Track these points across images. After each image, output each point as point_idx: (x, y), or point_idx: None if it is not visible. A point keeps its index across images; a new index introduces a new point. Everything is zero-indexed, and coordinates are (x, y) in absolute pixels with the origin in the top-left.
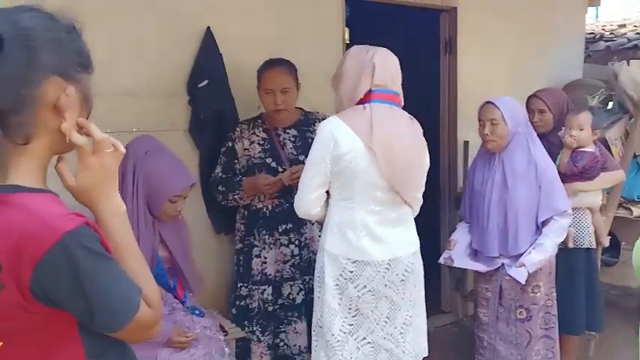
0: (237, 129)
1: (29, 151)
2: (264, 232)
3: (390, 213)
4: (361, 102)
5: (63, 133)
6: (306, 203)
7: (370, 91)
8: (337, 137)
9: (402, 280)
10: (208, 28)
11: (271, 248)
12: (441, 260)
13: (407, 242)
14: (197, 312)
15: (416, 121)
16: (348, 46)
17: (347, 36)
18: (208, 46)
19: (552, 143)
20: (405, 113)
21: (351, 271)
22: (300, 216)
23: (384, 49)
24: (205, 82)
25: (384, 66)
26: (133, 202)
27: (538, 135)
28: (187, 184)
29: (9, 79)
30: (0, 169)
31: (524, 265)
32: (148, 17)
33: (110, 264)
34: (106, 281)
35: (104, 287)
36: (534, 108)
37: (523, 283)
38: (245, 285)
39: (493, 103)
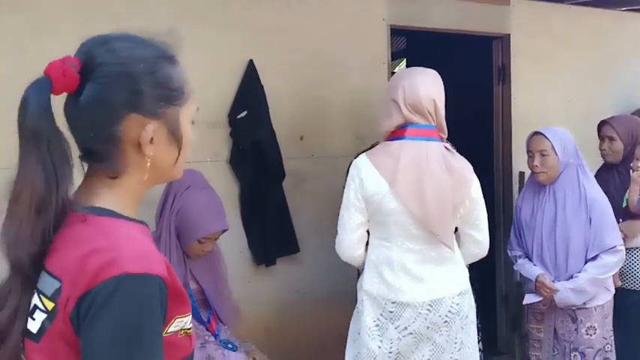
0: None
1: (119, 185)
2: None
3: (430, 251)
4: (395, 136)
5: (153, 167)
6: (348, 245)
7: (403, 126)
8: (363, 178)
9: (446, 321)
10: (251, 60)
11: None
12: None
13: (451, 282)
14: (230, 346)
15: (457, 155)
16: None
17: (404, 66)
18: (250, 78)
19: (622, 174)
20: (443, 148)
21: (391, 312)
22: (343, 259)
23: (423, 74)
24: (244, 114)
25: (416, 96)
26: (167, 233)
27: (607, 165)
28: (218, 229)
29: (93, 116)
30: (91, 197)
31: (556, 290)
32: (192, 50)
33: (140, 337)
34: (126, 352)
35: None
36: (604, 135)
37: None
38: None
39: (542, 134)
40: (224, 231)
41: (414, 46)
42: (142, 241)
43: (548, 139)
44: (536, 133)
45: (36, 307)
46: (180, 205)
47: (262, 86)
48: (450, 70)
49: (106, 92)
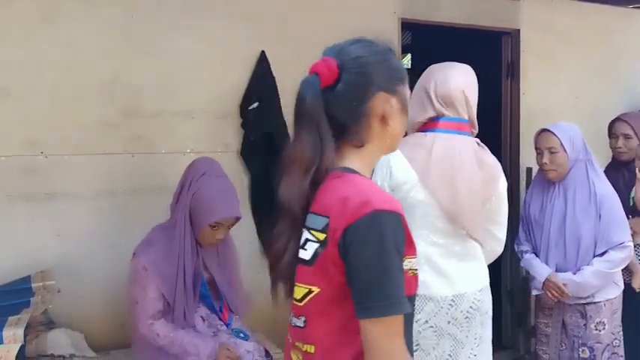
0: None
1: (363, 152)
2: None
3: (454, 246)
4: (426, 128)
5: (389, 137)
6: None
7: (435, 118)
8: (392, 167)
9: (467, 317)
10: (263, 51)
11: None
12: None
13: (473, 277)
14: (242, 335)
15: (486, 149)
16: (408, 72)
17: (409, 62)
18: (262, 69)
19: (631, 171)
20: (474, 143)
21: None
22: None
23: (455, 68)
24: (256, 104)
25: (446, 89)
26: (182, 219)
27: (620, 162)
28: (230, 214)
29: (349, 99)
30: (341, 162)
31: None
32: (206, 41)
33: (393, 258)
34: (386, 267)
35: (382, 271)
36: (618, 132)
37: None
38: None
39: (550, 131)
40: (237, 220)
41: (419, 40)
42: (378, 190)
43: (556, 136)
44: (544, 130)
45: (307, 240)
46: (194, 190)
47: (274, 77)
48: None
49: (358, 78)
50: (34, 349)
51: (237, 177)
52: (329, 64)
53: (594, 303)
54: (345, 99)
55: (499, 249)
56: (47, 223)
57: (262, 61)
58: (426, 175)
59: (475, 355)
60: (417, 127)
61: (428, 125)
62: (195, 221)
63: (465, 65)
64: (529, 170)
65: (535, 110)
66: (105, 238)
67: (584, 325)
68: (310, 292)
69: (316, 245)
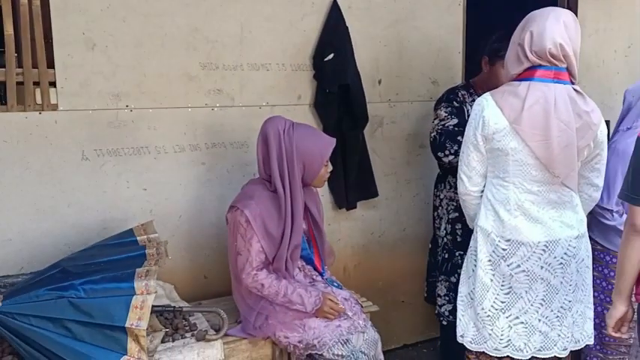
0: (459, 93)
1: None
2: None
3: (549, 194)
4: (523, 77)
5: None
6: (467, 181)
7: (531, 68)
8: (485, 116)
9: (561, 263)
10: (334, 0)
11: None
12: None
13: (568, 225)
14: (335, 284)
15: (586, 97)
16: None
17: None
18: (334, 19)
19: None
20: (571, 90)
21: (504, 249)
22: (461, 196)
23: (551, 19)
24: (331, 56)
25: (541, 44)
26: (294, 176)
27: None
28: (333, 143)
29: None
30: None
31: None
32: None
33: None
34: None
35: None
36: None
37: None
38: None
39: None
40: None
41: None
42: None
43: None
44: None
45: None
46: (295, 144)
47: (347, 27)
48: (511, 8)
49: None
50: None
51: None
52: None
53: None
54: None
55: (596, 195)
56: (133, 177)
57: (335, 11)
58: (518, 123)
59: (570, 302)
60: (513, 77)
61: (524, 74)
62: (311, 167)
63: (564, 13)
64: (606, 123)
65: (591, 60)
66: (188, 192)
67: None
68: None
69: None
